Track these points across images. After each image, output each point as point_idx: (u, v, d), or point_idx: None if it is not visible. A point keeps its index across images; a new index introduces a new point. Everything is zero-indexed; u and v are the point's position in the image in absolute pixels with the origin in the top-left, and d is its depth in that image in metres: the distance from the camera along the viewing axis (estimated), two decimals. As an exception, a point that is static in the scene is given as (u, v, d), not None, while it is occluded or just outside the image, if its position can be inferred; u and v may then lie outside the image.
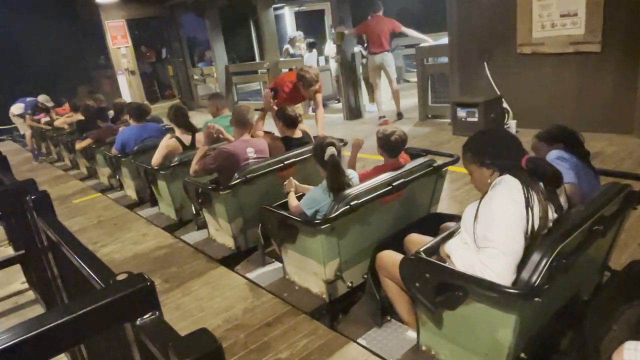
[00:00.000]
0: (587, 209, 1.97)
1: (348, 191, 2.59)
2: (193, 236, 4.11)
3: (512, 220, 1.74)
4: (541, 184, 1.81)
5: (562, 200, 1.90)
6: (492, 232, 1.75)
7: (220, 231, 3.77)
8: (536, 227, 1.74)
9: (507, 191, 1.79)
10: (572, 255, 1.75)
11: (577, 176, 2.25)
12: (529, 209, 1.73)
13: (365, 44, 8.03)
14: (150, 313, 0.78)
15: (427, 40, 7.53)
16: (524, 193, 1.75)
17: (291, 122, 3.78)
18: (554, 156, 2.30)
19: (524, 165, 1.81)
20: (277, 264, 3.28)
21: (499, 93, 6.16)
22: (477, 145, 1.97)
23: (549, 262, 1.68)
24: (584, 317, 1.93)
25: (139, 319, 0.78)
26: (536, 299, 1.67)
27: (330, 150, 2.68)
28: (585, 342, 1.87)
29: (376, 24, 7.38)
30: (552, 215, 1.82)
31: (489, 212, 1.79)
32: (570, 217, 1.88)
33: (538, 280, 1.66)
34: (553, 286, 1.68)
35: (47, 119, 8.62)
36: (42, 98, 8.67)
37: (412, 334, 2.35)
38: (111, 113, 6.62)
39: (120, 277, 0.84)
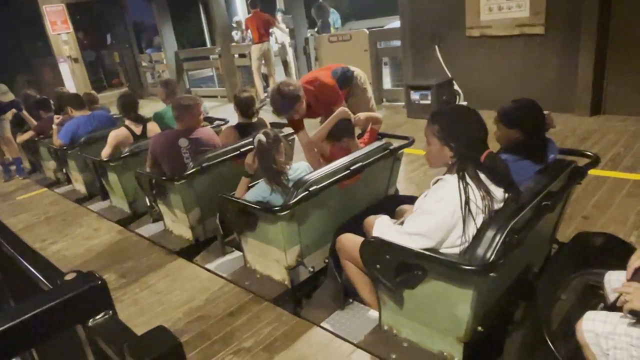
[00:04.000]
0: (536, 186, 2.05)
1: (307, 177, 2.58)
2: (148, 229, 3.99)
3: (436, 220, 1.83)
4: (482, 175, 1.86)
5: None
6: (414, 220, 1.91)
7: (177, 222, 3.67)
8: (482, 215, 1.82)
9: (441, 191, 1.86)
10: (523, 231, 1.82)
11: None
12: (469, 205, 1.79)
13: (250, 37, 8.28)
14: (103, 313, 0.74)
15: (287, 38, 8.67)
16: (460, 194, 1.80)
17: (246, 109, 3.70)
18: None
19: (482, 161, 1.83)
20: (238, 253, 3.24)
21: (450, 75, 6.30)
22: (449, 124, 1.90)
23: (503, 238, 1.74)
24: (535, 288, 2.02)
25: (91, 320, 0.73)
26: (492, 274, 1.73)
27: (258, 137, 2.66)
28: (537, 311, 1.97)
29: (256, 18, 8.13)
30: (500, 196, 1.87)
31: (421, 205, 1.92)
32: (521, 194, 1.95)
33: (493, 256, 1.72)
34: (507, 261, 1.74)
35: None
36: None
37: (374, 314, 2.40)
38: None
39: (68, 277, 0.78)
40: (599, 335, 1.47)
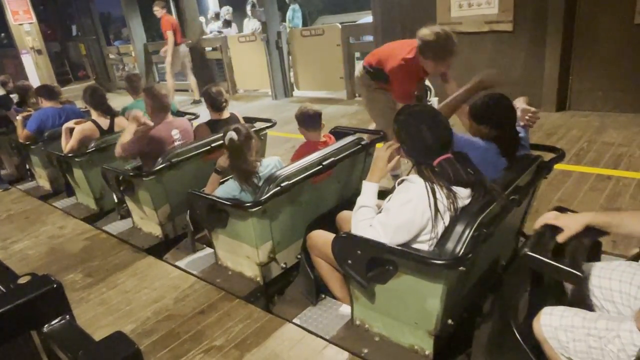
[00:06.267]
0: (504, 180, 2.08)
1: (278, 172, 2.55)
2: (116, 226, 3.89)
3: (402, 219, 1.83)
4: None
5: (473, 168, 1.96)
6: (382, 221, 1.89)
7: (145, 219, 3.59)
8: (448, 213, 1.82)
9: (409, 192, 1.85)
10: (492, 225, 1.85)
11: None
12: (436, 205, 1.79)
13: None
14: (59, 318, 0.71)
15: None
16: (428, 194, 1.80)
17: (217, 105, 3.62)
18: (470, 141, 2.22)
19: (435, 165, 1.83)
20: (209, 250, 3.19)
21: (421, 71, 6.34)
22: (402, 126, 1.91)
23: (471, 232, 1.76)
24: (503, 280, 2.07)
25: (46, 326, 0.70)
26: (461, 268, 1.76)
27: (230, 134, 2.61)
28: (505, 303, 2.01)
29: (172, 20, 8.20)
30: (465, 194, 1.88)
31: (390, 207, 1.90)
32: (487, 193, 1.98)
33: (462, 250, 1.74)
34: (476, 254, 1.77)
35: None
36: None
37: (346, 309, 2.40)
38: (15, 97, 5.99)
39: (22, 280, 0.75)
40: (557, 329, 1.48)
